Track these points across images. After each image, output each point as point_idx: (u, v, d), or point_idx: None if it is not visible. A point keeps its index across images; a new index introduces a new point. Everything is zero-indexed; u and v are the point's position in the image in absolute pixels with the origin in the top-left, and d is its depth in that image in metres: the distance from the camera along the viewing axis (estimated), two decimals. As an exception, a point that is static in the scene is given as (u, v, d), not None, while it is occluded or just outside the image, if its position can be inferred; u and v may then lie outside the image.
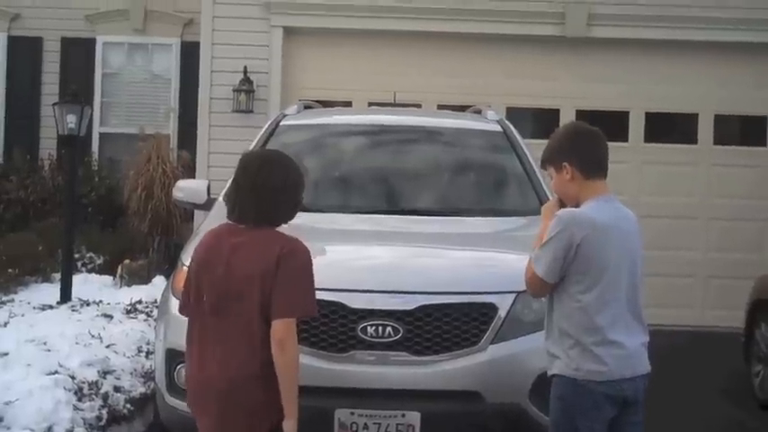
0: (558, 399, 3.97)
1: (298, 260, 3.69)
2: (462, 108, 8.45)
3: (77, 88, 9.98)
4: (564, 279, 3.92)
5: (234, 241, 3.78)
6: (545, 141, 4.30)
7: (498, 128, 6.82)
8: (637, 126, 11.22)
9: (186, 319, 4.77)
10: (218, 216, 5.87)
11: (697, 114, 11.24)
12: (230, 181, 3.99)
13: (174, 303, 4.99)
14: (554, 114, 11.11)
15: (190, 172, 11.10)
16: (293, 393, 3.64)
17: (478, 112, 7.53)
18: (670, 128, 11.49)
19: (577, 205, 4.04)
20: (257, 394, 3.66)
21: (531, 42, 11.10)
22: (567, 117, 10.88)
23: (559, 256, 3.88)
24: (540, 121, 11.45)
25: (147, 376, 6.76)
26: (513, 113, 9.98)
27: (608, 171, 4.12)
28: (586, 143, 4.16)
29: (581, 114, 11.08)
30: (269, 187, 3.78)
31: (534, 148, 6.96)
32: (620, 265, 3.95)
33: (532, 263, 3.96)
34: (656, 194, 11.09)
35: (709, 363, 9.20)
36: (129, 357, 7.04)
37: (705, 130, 11.24)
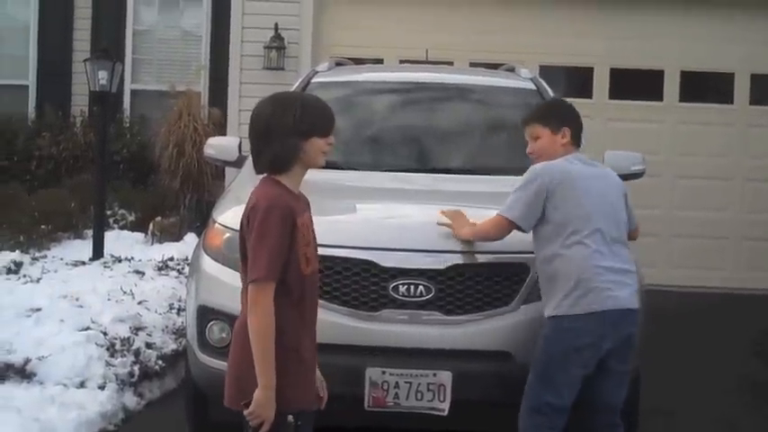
0: (543, 338, 4.33)
1: (256, 223, 3.38)
2: (495, 66, 8.37)
3: (109, 45, 9.99)
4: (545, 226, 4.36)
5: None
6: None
7: (531, 86, 6.74)
8: (672, 85, 11.07)
9: (217, 276, 4.82)
10: (249, 173, 5.86)
11: (733, 74, 11.08)
12: None
13: (206, 260, 5.00)
14: (588, 73, 11.01)
15: (221, 129, 11.10)
16: (263, 362, 3.33)
17: (511, 69, 7.44)
18: (705, 87, 11.34)
19: None
20: (246, 353, 3.42)
21: (566, -1, 10.98)
22: (601, 75, 10.79)
23: (529, 198, 4.37)
24: (573, 79, 11.34)
25: (179, 333, 6.81)
26: (547, 72, 9.84)
27: None
28: (579, 117, 4.72)
29: (615, 73, 10.98)
30: (255, 131, 3.53)
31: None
32: (596, 208, 4.36)
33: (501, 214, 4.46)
34: (690, 154, 10.99)
35: (741, 324, 9.15)
36: (160, 314, 7.08)
37: (741, 89, 11.09)
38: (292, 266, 3.44)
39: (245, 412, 3.39)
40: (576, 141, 4.60)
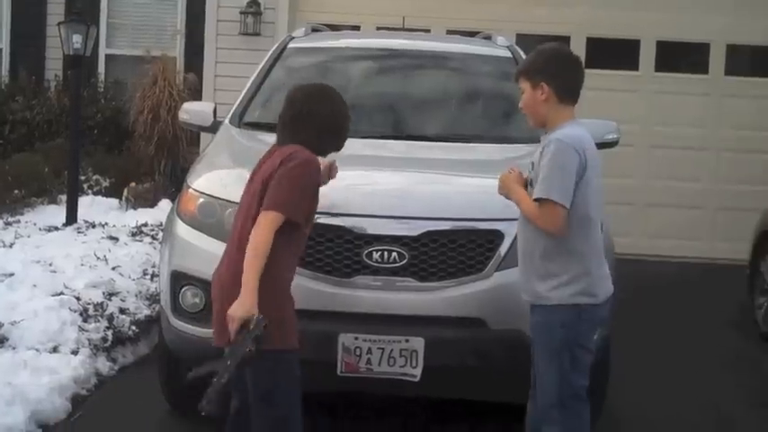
0: (560, 327, 4.00)
1: (292, 163, 3.79)
2: (472, 34, 8.35)
3: (83, 8, 9.90)
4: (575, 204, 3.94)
5: (268, 156, 3.96)
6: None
7: (508, 53, 6.73)
8: (648, 55, 11.09)
9: (191, 241, 4.82)
10: (224, 139, 5.85)
11: (709, 44, 11.11)
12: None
13: (180, 226, 4.99)
14: (564, 42, 10.97)
15: (196, 95, 11.04)
16: (248, 279, 3.63)
17: (488, 37, 7.43)
18: (681, 57, 11.36)
19: (543, 126, 4.14)
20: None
21: (542, -33, 10.95)
22: (577, 44, 10.77)
23: (573, 178, 3.91)
24: (550, 48, 11.30)
25: (152, 299, 6.80)
26: (524, 40, 9.83)
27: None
28: (568, 68, 4.20)
29: (591, 42, 10.98)
30: (319, 117, 4.00)
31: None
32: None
33: (544, 202, 3.90)
34: (666, 124, 11.03)
35: (715, 295, 9.22)
36: (134, 280, 7.07)
37: (717, 60, 11.12)
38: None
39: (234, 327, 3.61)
40: (562, 97, 4.09)
